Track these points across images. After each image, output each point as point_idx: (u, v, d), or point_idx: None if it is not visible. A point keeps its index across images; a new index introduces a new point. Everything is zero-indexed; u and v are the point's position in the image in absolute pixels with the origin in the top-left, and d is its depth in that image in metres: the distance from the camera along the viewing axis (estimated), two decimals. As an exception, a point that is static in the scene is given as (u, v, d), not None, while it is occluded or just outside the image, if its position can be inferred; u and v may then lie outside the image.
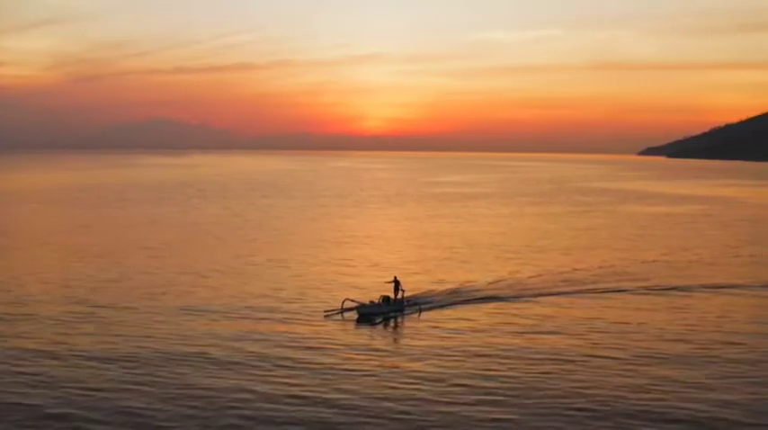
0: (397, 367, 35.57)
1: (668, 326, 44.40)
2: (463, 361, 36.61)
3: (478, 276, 60.20)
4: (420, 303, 48.21)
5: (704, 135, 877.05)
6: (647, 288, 56.06)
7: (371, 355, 37.53)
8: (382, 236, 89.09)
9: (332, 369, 35.09)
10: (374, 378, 33.97)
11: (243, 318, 45.13)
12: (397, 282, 47.83)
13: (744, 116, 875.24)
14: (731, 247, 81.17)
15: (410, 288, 50.96)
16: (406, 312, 46.46)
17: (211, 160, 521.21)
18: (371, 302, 46.50)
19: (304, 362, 35.98)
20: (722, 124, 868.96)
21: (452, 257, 71.54)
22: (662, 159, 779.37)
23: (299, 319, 44.81)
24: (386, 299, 46.61)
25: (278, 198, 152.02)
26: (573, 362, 36.69)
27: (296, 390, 32.07)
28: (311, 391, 31.99)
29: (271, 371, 34.71)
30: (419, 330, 42.77)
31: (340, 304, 46.57)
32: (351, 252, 74.58)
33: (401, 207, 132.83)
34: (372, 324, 44.02)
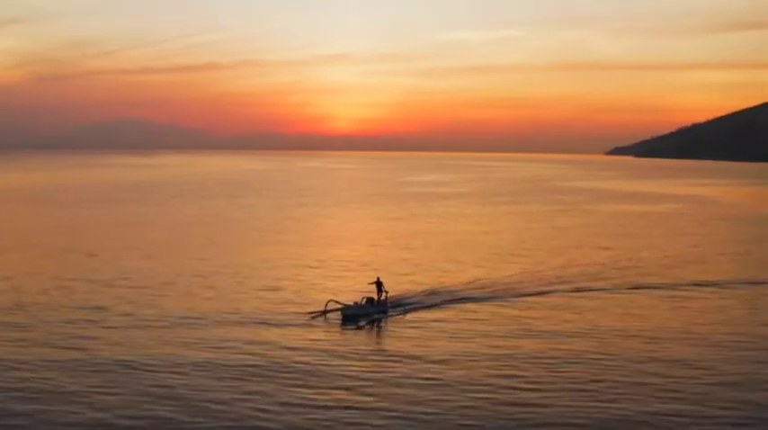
0: (383, 370, 34.77)
1: (668, 325, 44.80)
2: (450, 363, 35.83)
3: (464, 276, 59.81)
4: (404, 304, 47.69)
5: (671, 135, 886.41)
6: (637, 286, 56.63)
7: (356, 358, 36.65)
8: (365, 236, 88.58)
9: (317, 371, 34.28)
10: (361, 381, 33.15)
11: (227, 322, 43.55)
12: (379, 283, 47.13)
13: (710, 116, 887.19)
14: (716, 245, 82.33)
15: (395, 289, 50.50)
16: (390, 313, 45.69)
17: (184, 160, 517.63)
18: (355, 303, 45.76)
19: (288, 365, 35.08)
20: (689, 124, 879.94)
21: (437, 257, 71.05)
22: (630, 159, 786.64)
23: (284, 322, 43.70)
24: (369, 300, 45.98)
25: (257, 198, 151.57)
26: (567, 362, 36.45)
27: (283, 396, 31.12)
28: (298, 396, 31.17)
29: (254, 376, 33.68)
30: (404, 332, 41.90)
31: (323, 305, 45.72)
32: (334, 252, 73.72)
33: (381, 206, 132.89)
34: (357, 325, 43.02)
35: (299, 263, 66.36)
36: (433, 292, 52.59)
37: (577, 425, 28.38)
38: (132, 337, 40.16)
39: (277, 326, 42.78)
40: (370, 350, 38.55)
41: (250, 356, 36.61)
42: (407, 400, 30.71)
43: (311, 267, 64.21)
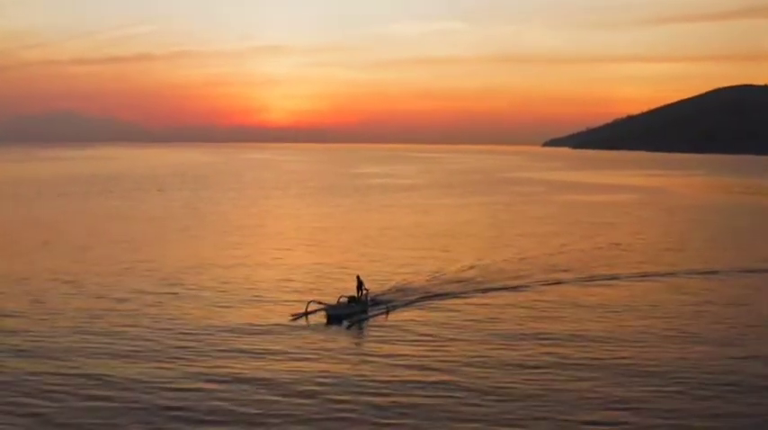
0: (371, 371, 33.39)
1: (670, 308, 46.38)
2: (437, 362, 34.72)
3: (444, 269, 59.19)
4: (386, 302, 46.33)
5: (606, 126, 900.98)
6: (643, 274, 58.11)
7: (344, 360, 35.23)
8: (339, 229, 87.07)
9: (304, 376, 32.60)
10: (350, 383, 31.83)
11: (211, 330, 40.15)
12: (360, 282, 45.63)
13: (645, 108, 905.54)
14: (686, 234, 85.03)
15: (376, 285, 49.59)
16: (372, 312, 44.13)
17: (125, 153, 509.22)
18: (338, 303, 44.25)
19: (275, 372, 33.20)
20: (624, 116, 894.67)
21: (415, 250, 70.23)
22: (567, 150, 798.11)
23: (267, 325, 41.21)
24: (352, 299, 44.54)
25: (218, 191, 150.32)
26: (563, 358, 36.04)
27: (274, 407, 29.13)
28: (288, 406, 29.29)
29: (242, 385, 31.43)
30: (389, 331, 40.41)
31: (304, 307, 43.71)
32: (310, 248, 71.72)
33: (347, 198, 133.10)
34: (343, 325, 41.51)
35: (276, 261, 63.71)
36: (415, 288, 51.61)
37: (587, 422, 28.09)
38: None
39: (260, 330, 40.16)
40: (364, 351, 36.83)
41: (231, 363, 34.42)
42: (394, 403, 29.57)
43: (289, 265, 61.48)
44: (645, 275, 57.58)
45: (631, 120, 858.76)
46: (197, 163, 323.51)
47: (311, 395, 30.23)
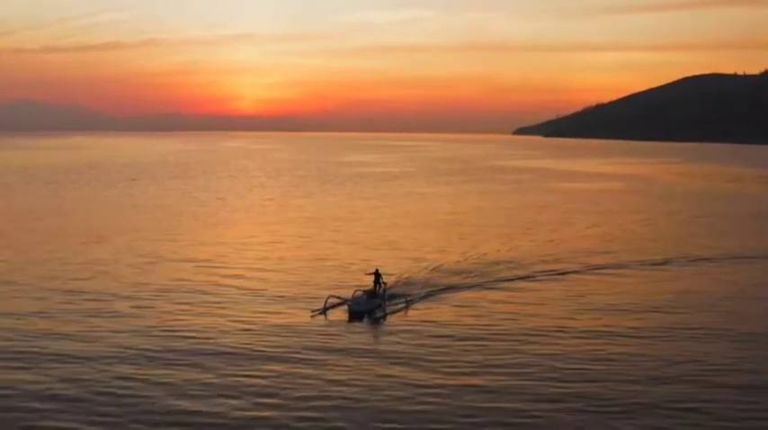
0: (407, 373, 31.75)
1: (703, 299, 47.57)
2: (464, 362, 33.29)
3: (461, 258, 58.68)
4: (403, 295, 44.75)
5: (576, 115, 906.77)
6: (667, 261, 59.41)
7: (371, 358, 33.84)
8: (347, 218, 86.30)
9: (331, 375, 31.28)
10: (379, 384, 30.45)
11: (232, 331, 37.75)
12: (378, 275, 44.23)
13: (614, 96, 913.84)
14: (695, 220, 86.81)
15: (392, 277, 48.39)
16: (393, 307, 42.70)
17: (95, 142, 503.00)
18: (357, 297, 42.88)
19: (302, 369, 31.87)
20: (593, 104, 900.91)
21: (429, 239, 69.54)
22: (538, 138, 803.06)
23: (289, 323, 39.35)
24: (371, 293, 43.17)
25: (207, 179, 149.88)
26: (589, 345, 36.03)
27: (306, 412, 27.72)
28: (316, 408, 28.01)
29: (269, 387, 29.91)
30: (411, 326, 39.15)
31: (323, 302, 42.34)
32: (322, 238, 70.15)
33: (342, 187, 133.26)
34: (365, 321, 40.43)
35: (291, 251, 62.62)
36: (431, 278, 50.70)
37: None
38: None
39: (281, 330, 38.18)
40: (392, 350, 34.97)
41: (256, 365, 32.64)
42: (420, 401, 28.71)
43: (303, 256, 59.72)
44: (695, 260, 59.29)
45: (601, 108, 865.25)
46: (174, 151, 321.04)
47: (342, 399, 28.74)
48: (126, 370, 31.66)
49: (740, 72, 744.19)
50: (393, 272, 50.95)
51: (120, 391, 29.26)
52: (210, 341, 35.91)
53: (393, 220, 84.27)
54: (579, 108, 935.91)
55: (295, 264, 55.96)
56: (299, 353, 34.18)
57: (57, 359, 33.07)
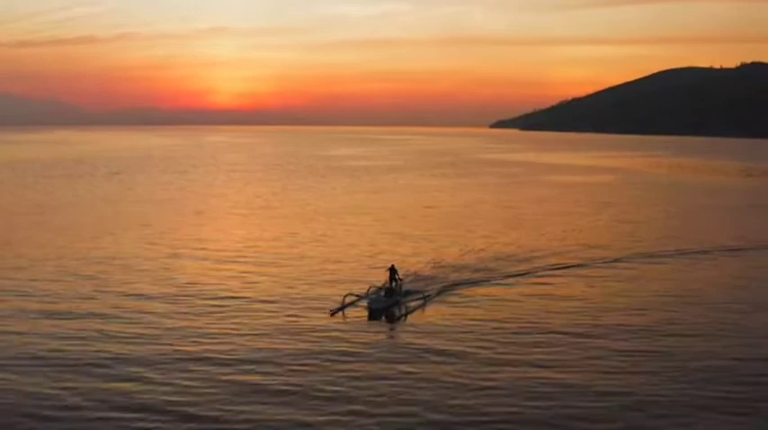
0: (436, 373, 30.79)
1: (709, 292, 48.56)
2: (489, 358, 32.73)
3: (473, 252, 58.20)
4: (419, 291, 43.54)
5: (553, 108, 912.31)
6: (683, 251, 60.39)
7: (400, 356, 32.96)
8: (351, 212, 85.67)
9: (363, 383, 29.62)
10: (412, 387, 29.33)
11: (247, 334, 35.96)
12: (393, 271, 42.99)
13: (590, 90, 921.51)
14: (697, 212, 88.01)
15: (402, 271, 46.43)
16: (411, 303, 41.37)
17: (77, 136, 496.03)
18: (375, 295, 41.80)
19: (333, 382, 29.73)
20: (570, 98, 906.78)
21: (438, 233, 68.98)
22: (516, 132, 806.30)
23: (307, 324, 37.63)
24: (388, 290, 41.98)
25: (199, 174, 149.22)
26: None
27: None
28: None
29: (292, 396, 28.26)
30: (433, 322, 38.26)
31: (341, 300, 41.01)
32: (330, 233, 68.64)
33: (338, 180, 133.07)
34: (386, 319, 39.35)
35: (303, 246, 61.17)
36: (443, 272, 50.08)
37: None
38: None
39: (302, 327, 37.23)
40: (420, 349, 33.91)
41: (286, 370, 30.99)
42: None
43: (314, 253, 58.13)
44: (706, 251, 60.01)
45: (577, 102, 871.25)
46: (157, 146, 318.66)
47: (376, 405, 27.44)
48: (135, 372, 30.54)
49: (716, 66, 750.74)
50: (407, 266, 50.12)
51: (136, 394, 28.20)
52: (230, 345, 34.16)
53: (400, 213, 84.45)
54: (555, 101, 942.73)
55: (308, 261, 54.60)
56: (323, 354, 32.81)
57: (71, 362, 31.61)
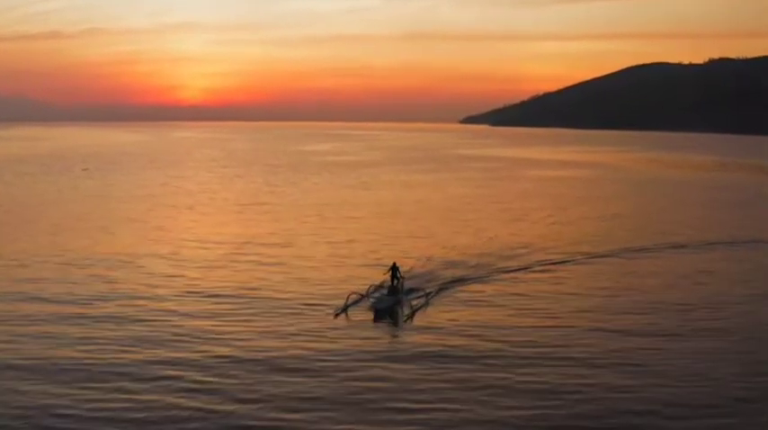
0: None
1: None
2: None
3: (471, 248, 57.77)
4: (422, 289, 42.70)
5: (523, 104, 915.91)
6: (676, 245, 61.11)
7: (412, 358, 32.09)
8: (343, 207, 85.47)
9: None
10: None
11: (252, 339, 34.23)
12: (395, 269, 41.91)
13: (560, 85, 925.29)
14: (671, 208, 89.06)
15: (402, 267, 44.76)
16: (413, 301, 40.50)
17: (47, 132, 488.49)
18: (379, 295, 40.77)
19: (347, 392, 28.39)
20: (540, 93, 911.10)
21: (431, 228, 68.96)
22: (486, 127, 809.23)
23: (312, 327, 36.32)
24: (391, 289, 40.93)
25: (179, 169, 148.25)
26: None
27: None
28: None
29: (314, 406, 27.00)
30: (439, 321, 37.48)
31: (344, 300, 39.93)
32: (326, 231, 67.19)
33: (318, 176, 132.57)
34: (393, 320, 38.24)
35: (298, 243, 60.13)
36: (443, 268, 49.63)
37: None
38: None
39: (306, 329, 36.04)
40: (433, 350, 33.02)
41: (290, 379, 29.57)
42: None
43: (312, 252, 56.20)
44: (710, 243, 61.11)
45: (547, 97, 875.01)
46: (130, 142, 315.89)
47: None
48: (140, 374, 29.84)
49: (685, 61, 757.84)
50: (406, 262, 48.64)
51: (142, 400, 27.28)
52: (235, 348, 32.94)
53: (391, 208, 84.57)
54: (526, 97, 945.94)
55: (307, 259, 53.21)
56: (331, 358, 31.71)
57: (75, 368, 30.46)
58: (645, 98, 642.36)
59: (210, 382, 28.92)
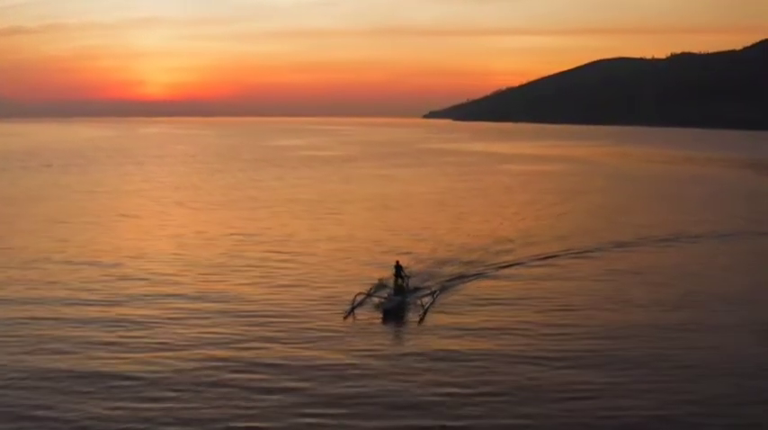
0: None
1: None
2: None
3: (468, 241, 57.93)
4: (427, 288, 41.54)
5: (486, 98, 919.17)
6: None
7: (432, 362, 30.99)
8: (334, 202, 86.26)
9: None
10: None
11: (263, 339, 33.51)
12: (399, 267, 40.99)
13: (524, 80, 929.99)
14: (664, 200, 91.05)
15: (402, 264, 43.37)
16: (420, 299, 39.48)
17: (12, 128, 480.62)
18: (386, 293, 39.75)
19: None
20: (504, 88, 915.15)
21: (426, 221, 69.22)
22: (450, 122, 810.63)
23: (320, 327, 35.42)
24: (398, 288, 40.00)
25: (156, 164, 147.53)
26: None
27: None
28: None
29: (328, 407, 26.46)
30: (450, 320, 36.69)
31: (351, 301, 38.69)
32: (321, 226, 66.26)
33: (299, 170, 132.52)
34: (402, 320, 37.14)
35: (298, 242, 58.34)
36: (446, 263, 49.13)
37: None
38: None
39: (315, 331, 34.80)
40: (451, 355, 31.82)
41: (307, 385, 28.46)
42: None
43: (312, 250, 54.81)
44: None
45: (511, 91, 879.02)
46: (98, 137, 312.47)
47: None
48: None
49: (648, 56, 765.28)
50: (407, 259, 47.20)
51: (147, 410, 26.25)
52: (247, 353, 31.67)
53: (382, 203, 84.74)
54: (489, 92, 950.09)
55: (308, 257, 51.83)
56: (344, 363, 30.61)
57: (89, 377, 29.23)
58: (608, 93, 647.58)
59: (224, 387, 28.00)
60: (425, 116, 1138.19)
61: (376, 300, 39.16)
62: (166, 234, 62.64)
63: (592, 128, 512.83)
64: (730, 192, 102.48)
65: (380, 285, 41.17)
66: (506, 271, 47.96)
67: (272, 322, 36.15)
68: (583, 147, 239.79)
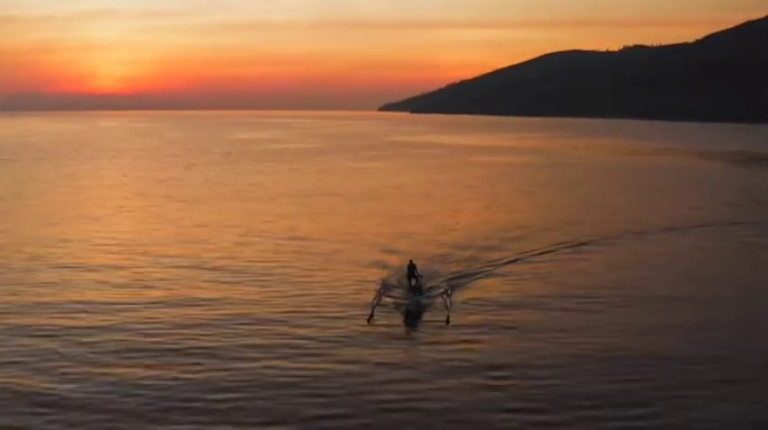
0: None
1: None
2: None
3: (469, 233, 57.50)
4: (439, 286, 39.96)
5: (441, 91, 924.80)
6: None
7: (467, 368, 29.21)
8: (324, 195, 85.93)
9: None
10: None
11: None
12: (413, 266, 39.84)
13: (477, 73, 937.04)
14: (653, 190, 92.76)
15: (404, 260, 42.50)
16: (434, 298, 38.06)
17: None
18: (403, 294, 38.36)
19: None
20: (457, 81, 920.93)
21: (421, 213, 69.07)
22: (407, 114, 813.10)
23: (343, 333, 33.28)
24: (414, 288, 38.47)
25: (127, 159, 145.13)
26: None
27: None
28: None
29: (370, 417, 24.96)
30: (471, 320, 35.10)
31: (372, 301, 36.97)
32: (319, 221, 64.69)
33: (276, 164, 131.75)
34: (425, 321, 35.50)
35: (300, 240, 55.72)
36: (451, 257, 48.17)
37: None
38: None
39: (341, 337, 32.90)
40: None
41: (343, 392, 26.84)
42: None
43: (317, 247, 52.62)
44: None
45: (465, 84, 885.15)
46: (59, 131, 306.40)
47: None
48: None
49: (601, 49, 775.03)
50: (409, 254, 45.08)
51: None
52: (272, 364, 29.46)
53: (369, 195, 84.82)
54: (443, 84, 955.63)
55: (310, 256, 49.70)
56: (370, 371, 28.73)
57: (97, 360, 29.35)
58: (561, 85, 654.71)
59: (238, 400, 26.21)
60: (381, 108, 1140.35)
61: (390, 300, 37.51)
62: (166, 230, 61.38)
63: (548, 119, 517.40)
64: (701, 180, 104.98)
65: (388, 285, 39.55)
66: (508, 267, 46.42)
67: (288, 331, 33.48)
68: (548, 139, 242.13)
